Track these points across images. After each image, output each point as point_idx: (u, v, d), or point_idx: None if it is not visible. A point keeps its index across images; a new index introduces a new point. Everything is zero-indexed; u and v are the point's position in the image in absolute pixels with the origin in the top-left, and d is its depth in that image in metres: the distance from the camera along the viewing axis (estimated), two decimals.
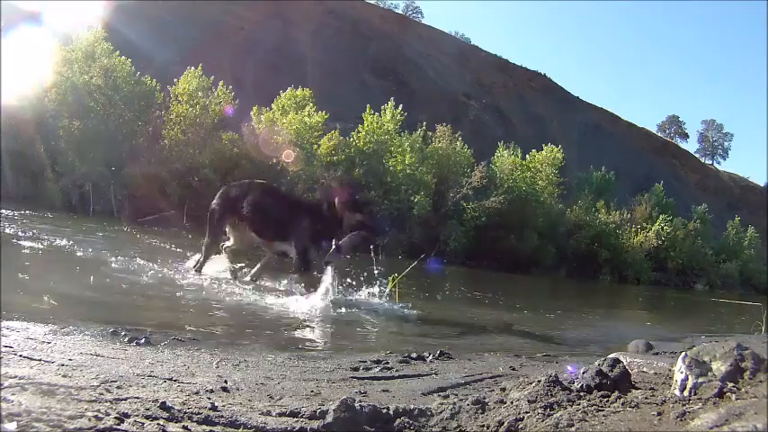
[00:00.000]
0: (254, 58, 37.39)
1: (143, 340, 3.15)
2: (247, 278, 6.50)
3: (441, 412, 1.79)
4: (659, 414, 1.57)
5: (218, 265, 6.60)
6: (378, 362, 3.16)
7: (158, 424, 1.54)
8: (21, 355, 2.22)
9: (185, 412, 1.67)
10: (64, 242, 7.46)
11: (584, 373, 1.97)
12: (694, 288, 31.96)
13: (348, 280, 6.39)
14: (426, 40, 55.68)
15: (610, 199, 32.78)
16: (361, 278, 6.43)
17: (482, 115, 49.58)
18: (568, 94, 64.30)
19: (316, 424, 1.66)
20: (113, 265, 6.19)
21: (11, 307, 3.38)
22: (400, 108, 24.59)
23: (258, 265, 6.54)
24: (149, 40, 29.60)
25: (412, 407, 1.82)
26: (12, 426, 1.34)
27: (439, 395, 2.38)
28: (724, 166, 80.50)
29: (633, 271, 29.34)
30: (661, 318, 11.62)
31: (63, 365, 2.16)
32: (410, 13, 70.63)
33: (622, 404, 1.71)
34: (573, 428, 1.53)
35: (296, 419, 1.73)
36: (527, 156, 28.10)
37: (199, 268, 6.38)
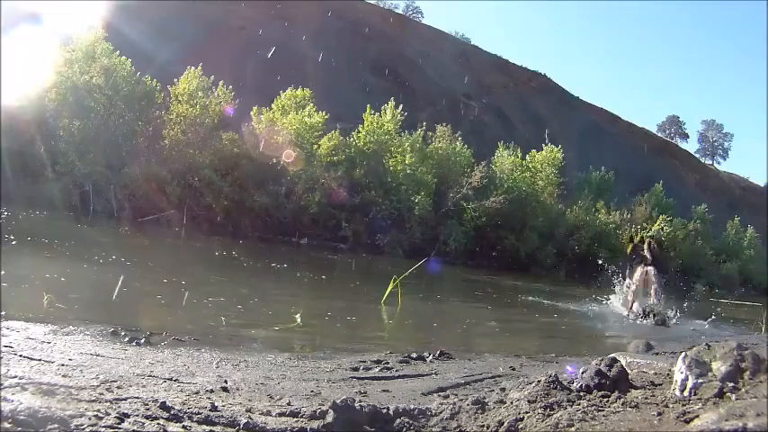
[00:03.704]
0: (255, 58, 37.35)
1: (143, 340, 3.15)
2: None
3: (441, 412, 1.78)
4: (659, 414, 1.57)
5: None
6: (378, 362, 3.17)
7: (158, 424, 1.54)
8: (21, 355, 2.22)
9: (185, 412, 1.67)
10: (64, 242, 7.46)
11: (583, 373, 1.97)
12: (694, 288, 31.93)
13: None
14: (426, 40, 55.61)
15: (610, 199, 32.71)
16: None
17: (482, 115, 49.55)
18: (568, 94, 64.25)
19: (316, 424, 1.66)
20: (113, 266, 6.19)
21: (11, 307, 3.37)
22: (400, 108, 24.58)
23: None
24: (149, 40, 29.55)
25: (412, 407, 1.82)
26: (12, 426, 1.34)
27: (439, 395, 2.38)
28: (724, 166, 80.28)
29: None
30: None
31: (63, 365, 2.16)
32: (410, 13, 70.54)
33: (622, 404, 1.71)
34: (573, 428, 1.53)
35: (296, 419, 1.73)
36: (527, 156, 28.07)
37: None
